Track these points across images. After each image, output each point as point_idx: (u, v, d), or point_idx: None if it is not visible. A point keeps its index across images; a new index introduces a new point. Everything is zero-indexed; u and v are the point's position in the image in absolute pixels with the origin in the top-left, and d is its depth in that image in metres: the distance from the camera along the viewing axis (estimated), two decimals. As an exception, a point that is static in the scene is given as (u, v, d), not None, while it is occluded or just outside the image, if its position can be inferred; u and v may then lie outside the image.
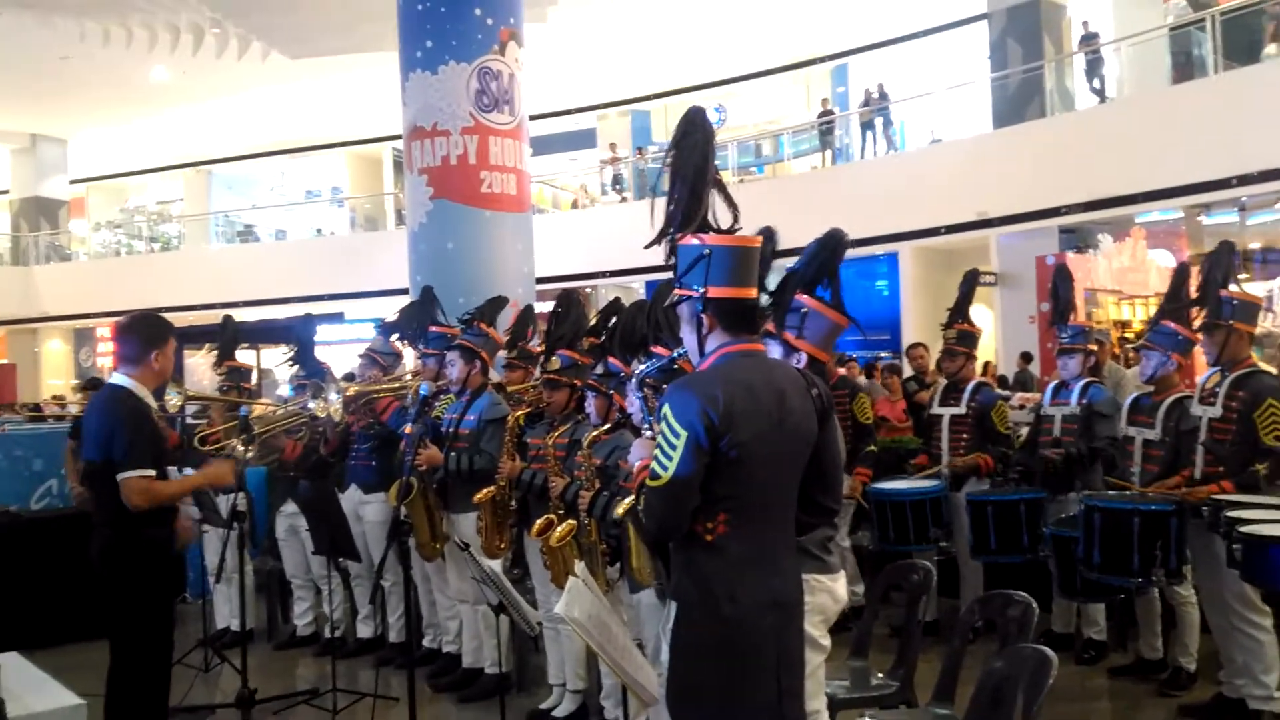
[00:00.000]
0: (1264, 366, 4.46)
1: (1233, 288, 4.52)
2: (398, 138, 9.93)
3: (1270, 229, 13.76)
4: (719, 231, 2.52)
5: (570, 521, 4.15)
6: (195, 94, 19.77)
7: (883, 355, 14.47)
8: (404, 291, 9.35)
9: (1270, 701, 4.21)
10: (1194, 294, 4.72)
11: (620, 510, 3.57)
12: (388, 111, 11.98)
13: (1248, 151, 11.28)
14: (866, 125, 17.29)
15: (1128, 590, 4.75)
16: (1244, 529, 3.61)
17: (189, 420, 6.58)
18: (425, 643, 5.65)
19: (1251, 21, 13.05)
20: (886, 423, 8.29)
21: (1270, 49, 12.64)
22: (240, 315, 18.21)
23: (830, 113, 18.38)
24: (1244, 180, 11.54)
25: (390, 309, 6.38)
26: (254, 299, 19.48)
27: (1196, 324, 4.65)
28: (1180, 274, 4.97)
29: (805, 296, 3.23)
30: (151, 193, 27.89)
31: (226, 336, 6.50)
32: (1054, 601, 5.45)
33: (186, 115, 21.49)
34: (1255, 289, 12.95)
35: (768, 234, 2.79)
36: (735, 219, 2.57)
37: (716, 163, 2.56)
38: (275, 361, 7.66)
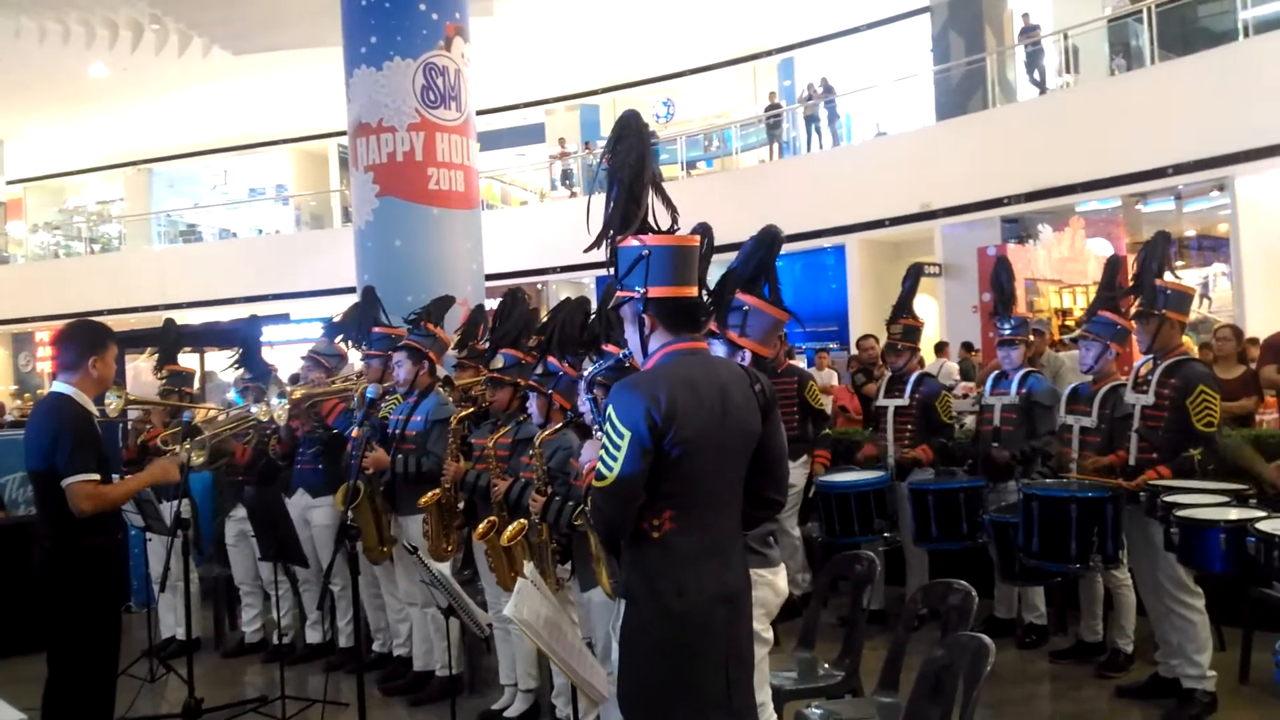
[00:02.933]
0: (1195, 353, 4.59)
1: (1168, 277, 4.62)
2: (343, 134, 9.83)
3: (1205, 216, 14.09)
4: (658, 232, 2.55)
5: (520, 521, 4.15)
6: (135, 91, 19.37)
7: (831, 346, 14.61)
8: (351, 290, 9.25)
9: (1203, 680, 4.33)
10: (1130, 283, 4.83)
11: (579, 521, 3.59)
12: (333, 107, 11.84)
13: (1183, 141, 11.55)
14: (811, 119, 17.42)
15: (1066, 575, 4.86)
16: (1181, 514, 3.71)
17: (130, 426, 6.50)
18: (375, 647, 5.62)
19: (1186, 13, 13.37)
20: (846, 413, 8.41)
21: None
22: (184, 317, 17.96)
23: (778, 106, 18.49)
24: (1179, 169, 11.82)
25: (338, 308, 6.31)
26: (198, 300, 19.17)
27: (1132, 312, 4.77)
28: (1113, 265, 5.10)
29: (745, 294, 3.26)
30: (91, 193, 27.30)
31: (168, 340, 6.39)
32: (995, 587, 5.57)
33: (126, 113, 21.05)
34: (1191, 276, 13.33)
35: (704, 230, 2.82)
36: (674, 219, 2.60)
37: (665, 156, 2.58)
38: (221, 365, 7.55)
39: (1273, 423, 6.65)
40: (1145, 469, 4.42)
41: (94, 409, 3.95)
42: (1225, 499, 3.83)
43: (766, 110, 18.47)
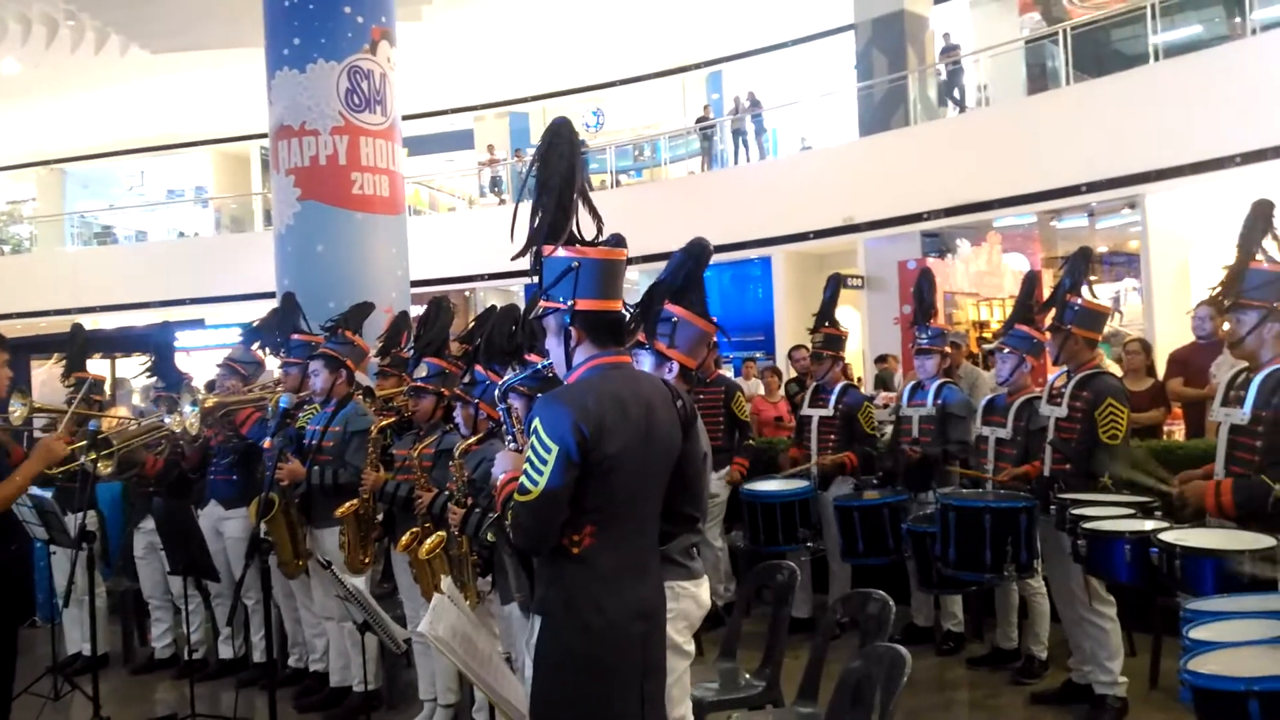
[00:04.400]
0: (1108, 367, 4.70)
1: (1085, 294, 4.73)
2: (265, 136, 9.63)
3: (1118, 233, 14.52)
4: (584, 243, 2.53)
5: (439, 533, 4.09)
6: (48, 88, 18.74)
7: (757, 356, 14.74)
8: (272, 295, 9.07)
9: (1115, 686, 4.44)
10: (1045, 298, 4.94)
11: (491, 536, 3.55)
12: (254, 108, 11.59)
13: (1096, 159, 11.91)
14: (738, 132, 17.59)
15: (981, 585, 4.95)
16: (1087, 525, 3.80)
17: (36, 434, 6.25)
18: (291, 662, 5.49)
19: (1100, 36, 13.81)
20: (781, 422, 8.48)
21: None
22: (97, 321, 17.47)
23: (706, 118, 18.64)
24: (1093, 187, 12.18)
25: (257, 314, 6.16)
26: (112, 304, 18.61)
27: (1046, 326, 4.88)
28: (1030, 281, 5.22)
29: (674, 306, 3.26)
30: (1, 192, 26.33)
31: (76, 346, 6.19)
32: (913, 595, 5.66)
33: (39, 111, 20.35)
34: (1103, 290, 13.74)
35: (620, 242, 2.79)
36: (599, 230, 2.59)
37: (594, 165, 2.57)
38: (133, 372, 7.32)
39: (1180, 434, 6.88)
40: (1058, 480, 4.53)
41: None
42: (1131, 511, 3.93)
43: (698, 121, 18.60)
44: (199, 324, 11.82)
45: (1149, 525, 3.67)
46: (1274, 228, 3.58)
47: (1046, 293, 5.02)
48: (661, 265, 3.29)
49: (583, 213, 2.55)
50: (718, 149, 18.30)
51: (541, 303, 2.56)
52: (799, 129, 17.82)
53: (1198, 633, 2.77)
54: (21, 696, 5.20)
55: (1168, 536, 3.39)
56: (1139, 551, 3.55)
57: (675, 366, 3.23)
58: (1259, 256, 3.58)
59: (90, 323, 14.44)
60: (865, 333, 14.53)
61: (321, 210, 8.64)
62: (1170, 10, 12.71)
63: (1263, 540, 3.21)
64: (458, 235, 17.94)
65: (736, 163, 17.50)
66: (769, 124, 17.65)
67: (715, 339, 4.78)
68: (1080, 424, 4.49)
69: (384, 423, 4.80)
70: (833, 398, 5.83)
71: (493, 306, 4.49)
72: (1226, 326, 3.70)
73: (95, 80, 18.15)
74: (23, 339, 8.82)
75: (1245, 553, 3.11)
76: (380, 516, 4.76)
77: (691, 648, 3.08)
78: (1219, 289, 3.72)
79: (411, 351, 4.91)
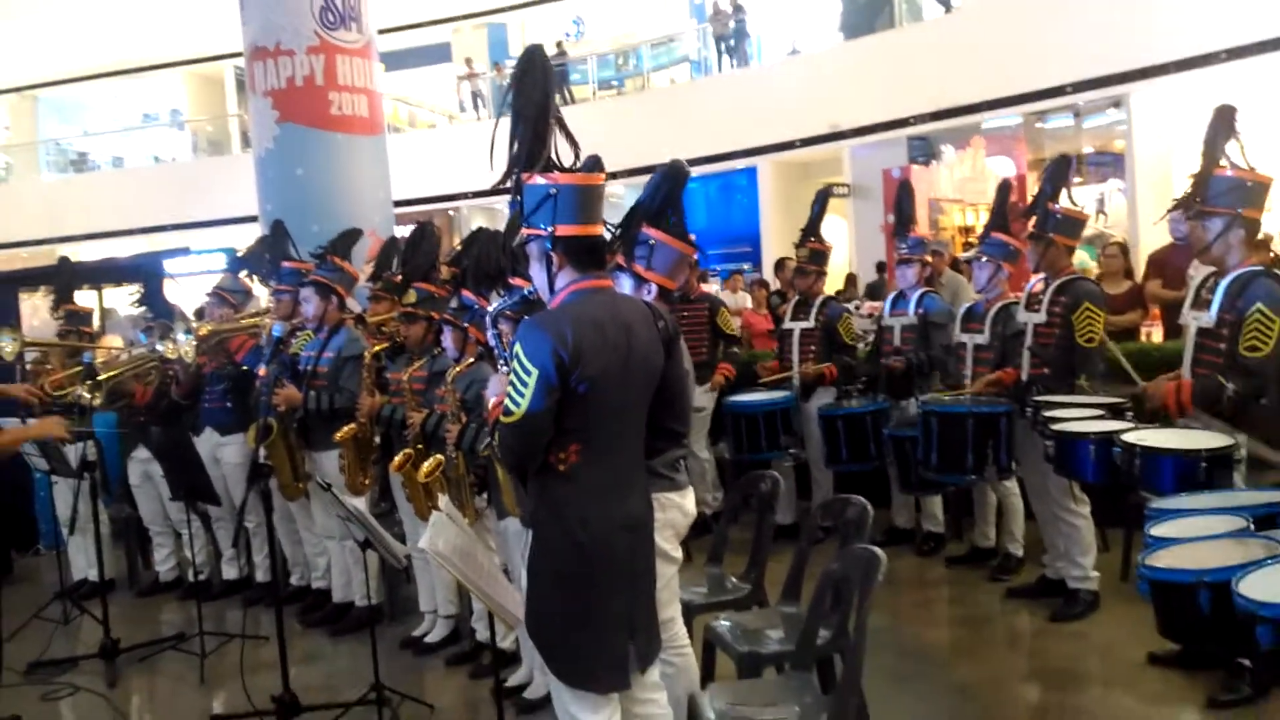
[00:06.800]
0: (1092, 271, 4.74)
1: (1064, 202, 4.79)
2: (239, 55, 9.46)
3: (1103, 132, 14.45)
4: (562, 169, 2.58)
5: (437, 456, 4.20)
6: (14, 13, 18.26)
7: (745, 267, 14.78)
8: (254, 219, 9.02)
9: (1087, 581, 4.63)
10: (1028, 202, 5.00)
11: (485, 452, 3.66)
12: (227, 27, 11.33)
13: (1081, 59, 11.82)
14: (720, 39, 17.27)
15: (962, 485, 5.11)
16: (1055, 427, 3.93)
17: (29, 368, 6.32)
18: (293, 580, 5.66)
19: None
20: (774, 333, 8.56)
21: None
22: (77, 250, 17.33)
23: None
24: (1078, 87, 12.13)
25: (239, 238, 6.18)
26: (91, 233, 18.46)
27: (1026, 233, 4.95)
28: (1003, 189, 5.28)
29: (651, 229, 3.32)
30: (-28, 122, 25.83)
31: (64, 278, 6.21)
32: (894, 499, 5.85)
33: (6, 37, 19.83)
34: (1088, 191, 13.74)
35: (596, 163, 2.83)
36: (576, 155, 2.64)
37: (576, 76, 2.61)
38: (121, 302, 7.34)
39: (1159, 336, 6.99)
40: (1036, 384, 4.64)
41: None
42: (1100, 412, 4.06)
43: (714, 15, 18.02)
44: (184, 252, 11.77)
45: (1114, 426, 3.80)
46: (1237, 133, 3.62)
47: (1030, 195, 5.07)
48: (646, 179, 3.33)
49: (560, 138, 2.60)
50: (700, 56, 17.83)
51: (523, 229, 2.62)
52: (783, 34, 17.49)
53: (1159, 529, 2.92)
54: (32, 622, 5.40)
55: (1129, 437, 3.53)
56: (1103, 451, 3.70)
57: (654, 288, 3.31)
58: (1223, 162, 3.64)
59: (70, 251, 14.34)
60: (852, 240, 14.55)
61: (300, 132, 8.53)
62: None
63: (1220, 439, 3.35)
64: (439, 153, 17.70)
65: (720, 70, 17.25)
66: (753, 31, 17.33)
67: (697, 257, 4.82)
68: (1059, 329, 4.59)
69: (377, 348, 4.88)
70: (814, 310, 5.91)
71: (479, 229, 4.53)
72: (1195, 234, 3.78)
73: (62, 3, 17.68)
74: (10, 273, 8.81)
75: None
76: (378, 439, 4.86)
77: (679, 554, 3.22)
78: (1187, 195, 3.79)
79: (401, 276, 4.96)
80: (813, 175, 15.59)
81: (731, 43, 17.14)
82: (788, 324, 6.09)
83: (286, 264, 5.62)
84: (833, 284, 7.38)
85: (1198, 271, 5.84)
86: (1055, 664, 4.24)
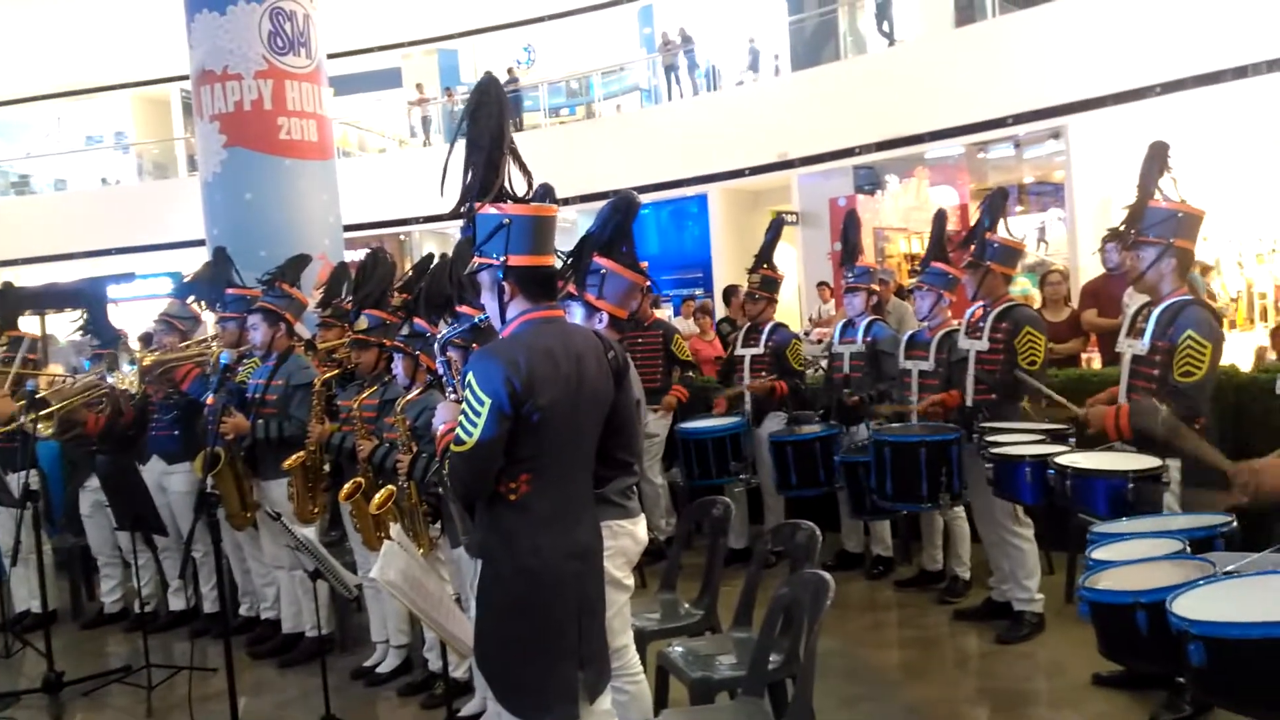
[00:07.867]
0: (1035, 299, 4.85)
1: (1001, 232, 4.93)
2: (185, 78, 9.39)
3: (1043, 163, 14.79)
4: (515, 199, 2.61)
5: (389, 487, 4.19)
6: (-46, 33, 17.94)
7: (696, 293, 14.87)
8: (200, 243, 8.94)
9: (1032, 603, 4.73)
10: (966, 233, 5.12)
11: (435, 481, 3.66)
12: (174, 50, 11.24)
13: (1022, 91, 12.14)
14: (670, 68, 17.46)
15: (916, 513, 5.19)
16: (995, 451, 4.04)
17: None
18: (242, 611, 5.58)
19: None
20: (720, 360, 8.63)
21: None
22: (19, 275, 16.93)
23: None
24: (1019, 119, 12.43)
25: (186, 262, 6.12)
26: (34, 256, 18.07)
27: (964, 262, 5.07)
28: (940, 219, 5.42)
29: (603, 258, 3.36)
30: (-90, 142, 25.21)
31: (7, 305, 6.09)
32: (844, 523, 5.93)
33: (-56, 56, 19.49)
34: (1029, 220, 14.07)
35: (547, 191, 2.86)
36: (529, 184, 2.67)
37: (528, 103, 2.64)
38: (65, 330, 7.20)
39: (1098, 363, 7.15)
40: (981, 409, 4.75)
41: None
42: (1041, 437, 4.17)
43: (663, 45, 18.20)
44: (129, 277, 11.57)
45: (1049, 450, 3.91)
46: (1169, 167, 3.76)
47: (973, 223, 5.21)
48: (599, 205, 3.37)
49: (513, 168, 2.64)
50: (650, 84, 18.01)
51: (475, 258, 2.64)
52: (737, 64, 17.72)
53: (1099, 553, 2.99)
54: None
55: (1062, 460, 3.65)
56: (1039, 473, 3.82)
57: (605, 317, 3.36)
58: (1156, 195, 3.77)
59: (11, 276, 14.04)
60: (801, 267, 14.73)
61: (248, 157, 8.49)
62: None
63: (1148, 460, 3.47)
64: (390, 177, 17.64)
65: (670, 99, 17.42)
66: (703, 60, 17.54)
67: (649, 284, 4.87)
68: (1002, 354, 4.71)
69: (327, 375, 4.86)
70: (764, 336, 6.00)
71: (429, 255, 4.54)
72: (1128, 263, 3.91)
73: (5, 23, 17.38)
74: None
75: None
76: (327, 467, 4.83)
77: (630, 581, 3.24)
78: (1121, 226, 3.92)
79: (351, 302, 4.95)
80: (762, 204, 15.78)
81: (679, 72, 17.34)
82: (739, 350, 6.16)
83: (231, 291, 5.57)
84: (783, 312, 7.43)
85: (1133, 300, 6.03)
86: (1003, 685, 4.32)
